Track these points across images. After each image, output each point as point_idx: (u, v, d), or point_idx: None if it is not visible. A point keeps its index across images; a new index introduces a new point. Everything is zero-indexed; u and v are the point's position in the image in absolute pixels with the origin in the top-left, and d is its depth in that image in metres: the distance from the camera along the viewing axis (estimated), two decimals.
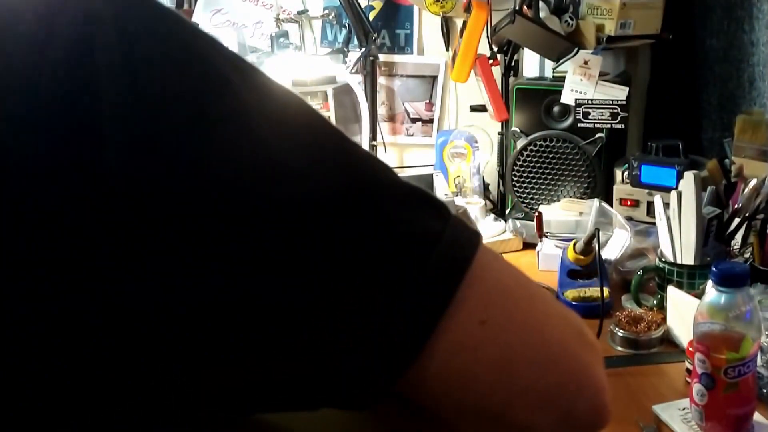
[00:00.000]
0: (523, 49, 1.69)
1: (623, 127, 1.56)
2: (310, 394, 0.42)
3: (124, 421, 0.38)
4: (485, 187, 1.76)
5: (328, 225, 0.39)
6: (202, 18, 1.96)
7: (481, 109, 1.75)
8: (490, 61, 1.65)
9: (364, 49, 1.78)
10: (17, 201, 0.34)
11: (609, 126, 1.55)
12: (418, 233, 0.42)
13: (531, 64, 1.68)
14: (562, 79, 1.57)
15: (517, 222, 1.67)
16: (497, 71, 1.70)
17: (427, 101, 1.92)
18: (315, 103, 1.75)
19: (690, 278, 1.19)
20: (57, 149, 0.35)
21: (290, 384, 0.41)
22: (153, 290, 0.36)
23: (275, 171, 0.39)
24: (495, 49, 1.68)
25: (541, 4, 1.53)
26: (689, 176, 1.17)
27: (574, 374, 0.45)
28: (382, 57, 1.87)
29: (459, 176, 1.71)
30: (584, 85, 1.54)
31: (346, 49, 1.83)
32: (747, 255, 1.26)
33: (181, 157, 0.37)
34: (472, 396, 0.43)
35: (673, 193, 1.20)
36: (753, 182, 1.26)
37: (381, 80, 1.90)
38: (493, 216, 1.72)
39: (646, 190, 1.47)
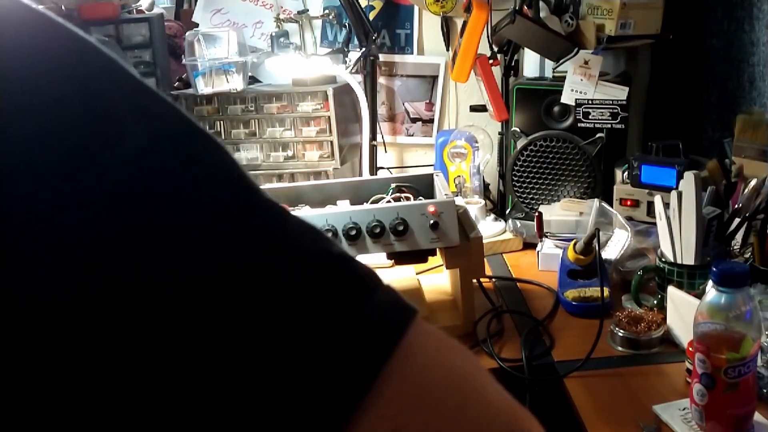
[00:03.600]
0: (523, 49, 1.69)
1: (623, 127, 1.56)
2: None
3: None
4: (485, 187, 1.76)
5: (224, 299, 0.33)
6: (202, 18, 1.96)
7: (481, 109, 1.75)
8: (490, 61, 1.65)
9: (364, 49, 1.78)
10: None
11: (609, 126, 1.56)
12: (327, 314, 0.35)
13: (531, 64, 1.68)
14: (562, 79, 1.57)
15: (517, 222, 1.67)
16: (497, 71, 1.70)
17: (427, 101, 1.92)
18: (315, 103, 1.75)
19: (690, 278, 1.19)
20: None
21: None
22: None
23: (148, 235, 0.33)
24: (495, 49, 1.68)
25: (541, 4, 1.53)
26: (689, 176, 1.17)
27: None
28: (382, 57, 1.87)
29: (459, 176, 1.71)
30: (584, 85, 1.54)
31: (346, 49, 1.83)
32: (747, 255, 1.26)
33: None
34: None
35: (674, 193, 1.20)
36: (753, 182, 1.26)
37: (381, 80, 1.90)
38: (493, 216, 1.72)
39: (647, 190, 1.47)
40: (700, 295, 1.03)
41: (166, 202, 0.34)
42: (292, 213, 0.38)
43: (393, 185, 1.37)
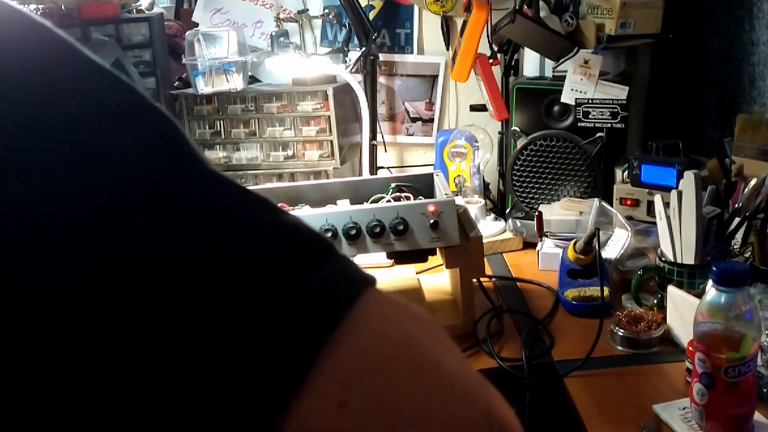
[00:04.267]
0: (523, 48, 1.69)
1: (623, 126, 1.56)
2: None
3: None
4: (485, 186, 1.76)
5: (162, 275, 0.33)
6: (202, 17, 1.96)
7: (481, 108, 1.75)
8: (490, 61, 1.65)
9: (364, 49, 1.78)
10: None
11: (609, 125, 1.56)
12: (270, 287, 0.34)
13: (531, 63, 1.68)
14: (562, 78, 1.57)
15: (517, 221, 1.67)
16: (497, 71, 1.70)
17: (427, 101, 1.92)
18: (315, 103, 1.75)
19: (690, 278, 1.19)
20: None
21: None
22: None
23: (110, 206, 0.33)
24: (495, 48, 1.68)
25: (541, 3, 1.53)
26: (689, 176, 1.17)
27: None
28: (382, 56, 1.87)
29: (459, 176, 1.71)
30: (584, 84, 1.54)
31: (346, 49, 1.83)
32: (747, 254, 1.26)
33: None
34: None
35: (674, 193, 1.20)
36: (753, 182, 1.26)
37: (381, 80, 1.90)
38: (493, 215, 1.72)
39: (647, 190, 1.47)
40: (700, 295, 1.03)
41: (147, 205, 0.34)
42: (244, 186, 0.38)
43: (393, 185, 1.37)
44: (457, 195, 1.67)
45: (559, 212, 1.57)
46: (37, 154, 0.33)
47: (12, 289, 0.32)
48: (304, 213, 1.25)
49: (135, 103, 0.37)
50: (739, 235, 1.28)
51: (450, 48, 1.84)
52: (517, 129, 1.64)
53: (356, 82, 1.80)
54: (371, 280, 0.37)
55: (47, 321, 0.32)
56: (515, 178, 1.67)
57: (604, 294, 1.24)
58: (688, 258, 1.20)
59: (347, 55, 1.81)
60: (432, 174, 1.42)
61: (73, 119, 0.34)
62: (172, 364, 0.33)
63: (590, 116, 1.56)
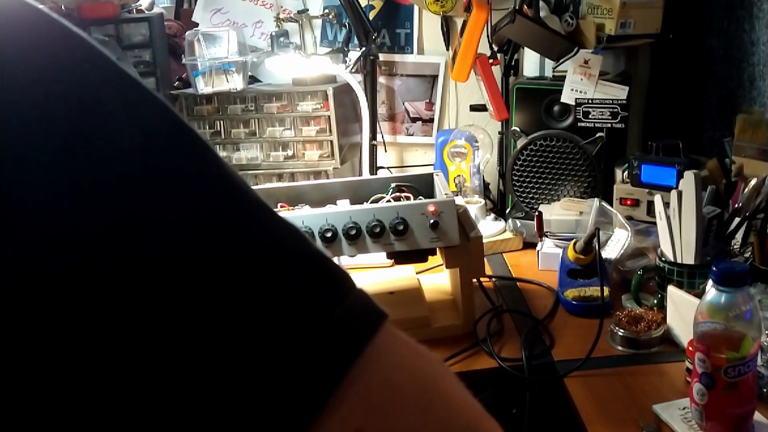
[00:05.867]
0: (523, 48, 1.69)
1: (623, 126, 1.56)
2: None
3: None
4: (485, 186, 1.76)
5: (204, 294, 0.33)
6: (202, 18, 1.96)
7: (482, 108, 1.75)
8: (491, 61, 1.65)
9: (364, 49, 1.78)
10: None
11: (609, 125, 1.56)
12: (297, 313, 0.35)
13: (531, 63, 1.68)
14: (562, 78, 1.57)
15: (517, 221, 1.67)
16: (497, 71, 1.70)
17: (427, 101, 1.92)
18: (315, 103, 1.75)
19: (690, 278, 1.19)
20: None
21: None
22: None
23: (139, 225, 0.34)
24: (495, 48, 1.68)
25: (541, 3, 1.53)
26: (689, 175, 1.17)
27: None
28: (382, 56, 1.87)
29: (459, 176, 1.71)
30: (584, 84, 1.54)
31: (346, 49, 1.83)
32: (747, 254, 1.26)
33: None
34: None
35: (674, 193, 1.20)
36: (753, 182, 1.26)
37: (381, 80, 1.90)
38: (493, 215, 1.72)
39: (647, 190, 1.47)
40: (700, 295, 1.03)
41: (157, 195, 0.35)
42: (274, 210, 0.39)
43: (393, 185, 1.37)
44: (457, 195, 1.67)
45: (559, 212, 1.57)
46: (39, 141, 0.33)
47: (11, 282, 0.32)
48: (304, 213, 1.25)
49: (170, 120, 0.38)
50: (739, 235, 1.28)
51: (450, 48, 1.84)
52: (517, 129, 1.64)
53: (356, 82, 1.80)
54: (385, 315, 0.38)
55: (45, 303, 0.32)
56: (515, 178, 1.67)
57: (604, 294, 1.24)
58: (688, 258, 1.20)
59: (347, 55, 1.81)
60: (432, 174, 1.42)
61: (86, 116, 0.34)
62: (195, 382, 0.33)
63: (590, 116, 1.56)
